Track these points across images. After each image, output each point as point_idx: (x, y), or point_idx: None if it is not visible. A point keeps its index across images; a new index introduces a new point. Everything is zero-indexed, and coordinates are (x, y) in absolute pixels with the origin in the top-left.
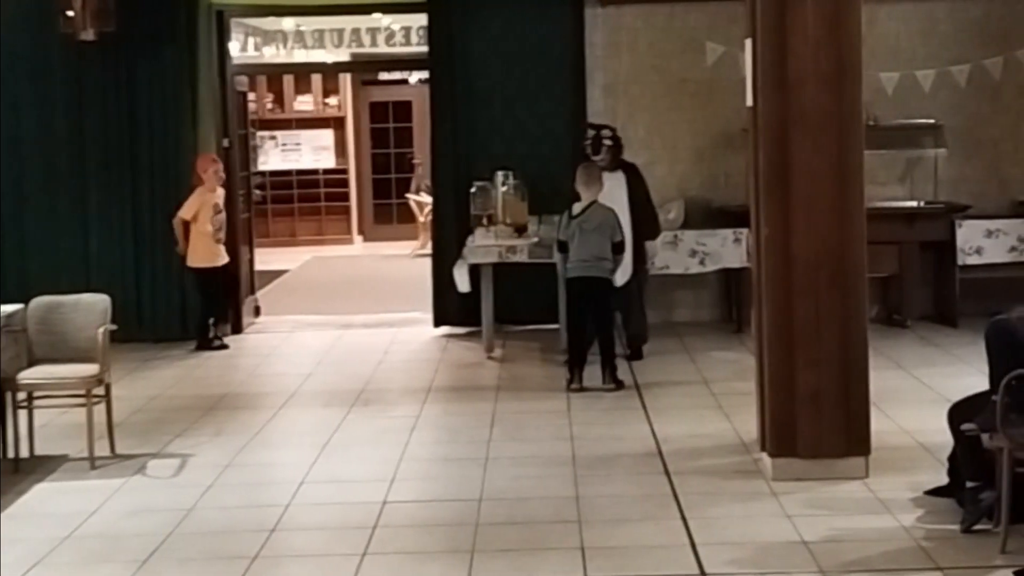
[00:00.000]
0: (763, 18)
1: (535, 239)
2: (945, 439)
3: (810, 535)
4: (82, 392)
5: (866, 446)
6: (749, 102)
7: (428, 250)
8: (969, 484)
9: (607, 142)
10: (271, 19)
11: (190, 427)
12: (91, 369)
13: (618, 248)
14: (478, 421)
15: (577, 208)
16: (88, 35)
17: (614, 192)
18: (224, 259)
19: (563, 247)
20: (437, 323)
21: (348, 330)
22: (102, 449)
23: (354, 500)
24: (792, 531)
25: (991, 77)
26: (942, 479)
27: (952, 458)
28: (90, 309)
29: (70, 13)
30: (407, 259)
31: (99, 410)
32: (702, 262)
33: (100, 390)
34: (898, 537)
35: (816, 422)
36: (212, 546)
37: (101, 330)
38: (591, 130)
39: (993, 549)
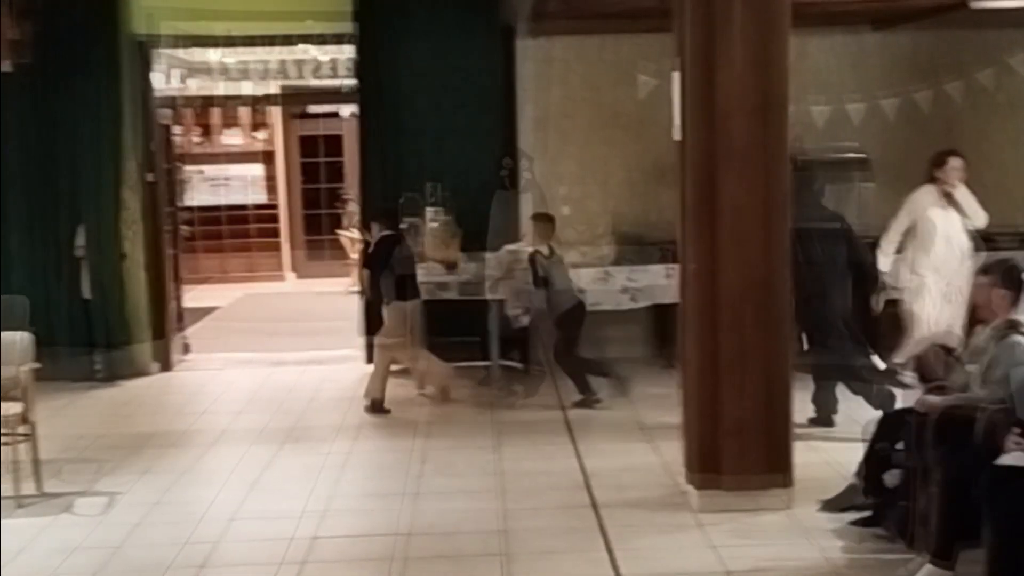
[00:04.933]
0: (690, 51)
1: (466, 276)
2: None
3: (734, 565)
4: (7, 431)
5: (789, 477)
6: (677, 136)
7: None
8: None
9: (527, 175)
10: (196, 51)
11: (118, 465)
12: (15, 407)
13: None
14: (408, 457)
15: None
16: (5, 67)
17: None
18: None
19: (544, 282)
20: (369, 360)
21: (279, 367)
22: (29, 488)
23: (284, 536)
24: (717, 561)
25: (920, 110)
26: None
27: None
28: (12, 347)
29: None
30: (339, 296)
31: (25, 448)
32: (633, 298)
33: (25, 428)
34: (820, 566)
35: (740, 454)
36: None
37: (24, 368)
38: (509, 160)
39: None
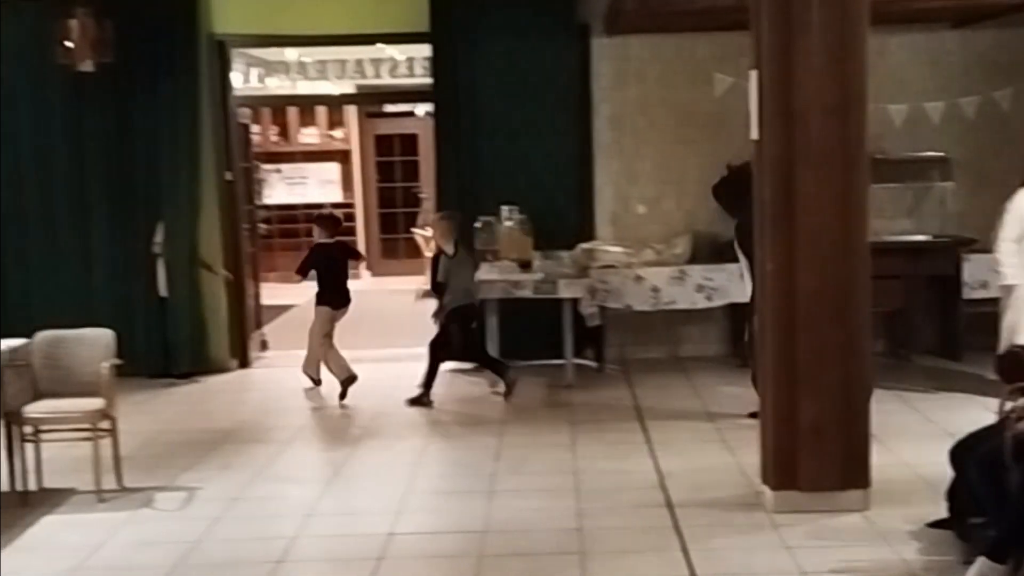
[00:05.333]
0: (768, 49)
1: (540, 275)
2: (946, 472)
3: (810, 566)
4: (88, 426)
5: (866, 479)
6: (754, 135)
7: None
8: (973, 520)
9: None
10: (274, 49)
11: (197, 461)
12: (96, 403)
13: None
14: (482, 455)
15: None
16: (87, 66)
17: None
18: None
19: (442, 286)
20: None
21: (355, 364)
22: (109, 482)
23: (360, 532)
24: (792, 563)
25: (1000, 109)
26: (942, 512)
27: (951, 493)
28: (94, 343)
29: (68, 44)
30: (415, 294)
31: (106, 443)
32: (709, 297)
33: (106, 424)
34: (897, 569)
35: (817, 455)
36: None
37: (105, 365)
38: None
39: None
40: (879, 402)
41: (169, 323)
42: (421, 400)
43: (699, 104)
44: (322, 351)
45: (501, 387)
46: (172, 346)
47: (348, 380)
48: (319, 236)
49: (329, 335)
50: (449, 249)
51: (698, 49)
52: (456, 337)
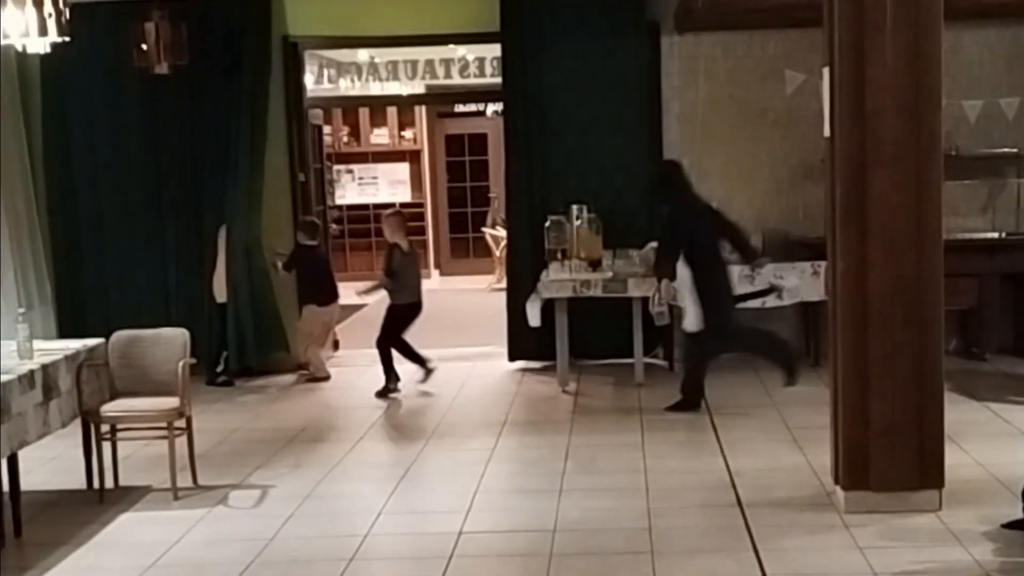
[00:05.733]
0: (841, 46)
1: (609, 274)
2: (1021, 471)
3: (882, 567)
4: (163, 425)
5: (939, 479)
6: (827, 132)
7: (504, 284)
8: None
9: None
10: (345, 51)
11: (270, 459)
12: (172, 402)
13: None
14: (552, 454)
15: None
16: (162, 69)
17: None
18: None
19: (394, 273)
20: (512, 357)
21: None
22: (184, 480)
23: (430, 531)
24: (864, 563)
25: None
26: (1017, 512)
27: None
28: (170, 343)
29: (144, 47)
30: (483, 293)
31: (181, 442)
32: (780, 296)
33: (181, 423)
34: (970, 570)
35: (890, 455)
36: (292, 575)
37: (181, 364)
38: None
39: None
40: (952, 401)
41: (232, 324)
42: (388, 391)
43: (770, 101)
44: (312, 348)
45: (386, 387)
46: (241, 346)
47: (319, 379)
48: (301, 239)
49: (323, 335)
50: (404, 244)
51: (769, 46)
52: (386, 327)
